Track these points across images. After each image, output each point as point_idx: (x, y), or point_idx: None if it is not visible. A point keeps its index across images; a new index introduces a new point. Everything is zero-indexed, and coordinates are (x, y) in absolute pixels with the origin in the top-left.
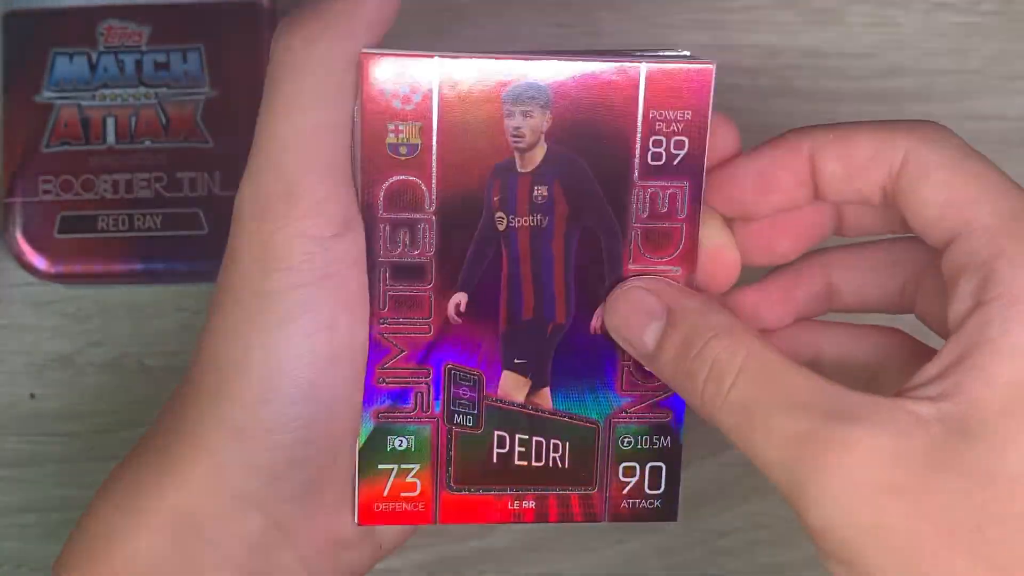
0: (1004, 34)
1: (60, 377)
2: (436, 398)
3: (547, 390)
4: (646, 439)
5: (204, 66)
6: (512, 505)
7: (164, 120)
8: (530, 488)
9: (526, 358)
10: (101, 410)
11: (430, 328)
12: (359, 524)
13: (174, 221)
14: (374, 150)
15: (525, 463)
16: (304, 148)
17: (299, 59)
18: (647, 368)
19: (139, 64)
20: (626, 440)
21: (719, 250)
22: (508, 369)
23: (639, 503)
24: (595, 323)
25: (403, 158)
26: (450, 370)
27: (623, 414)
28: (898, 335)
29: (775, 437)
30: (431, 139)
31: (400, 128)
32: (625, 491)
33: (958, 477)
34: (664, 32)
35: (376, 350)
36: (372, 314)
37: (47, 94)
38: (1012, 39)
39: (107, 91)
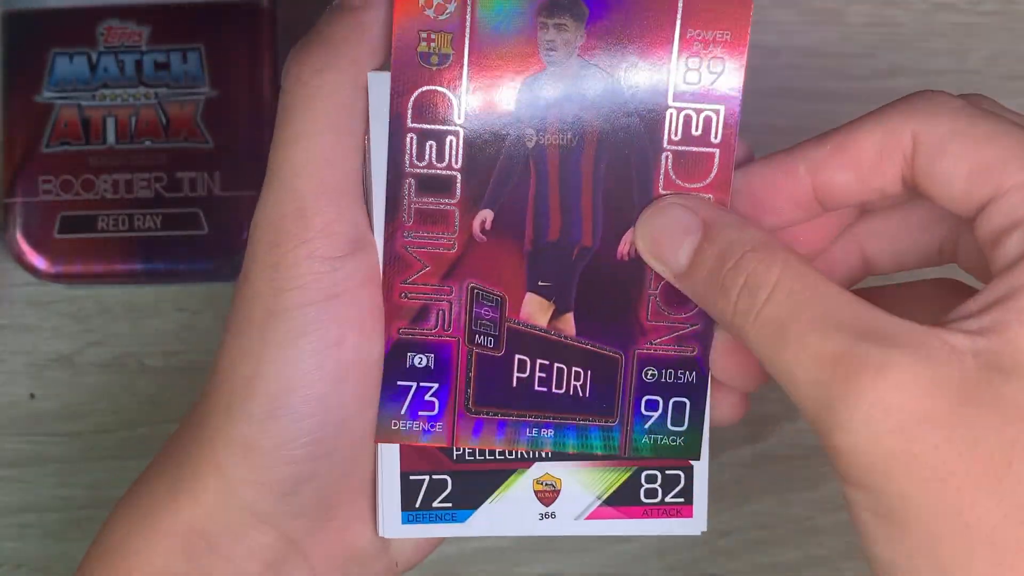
0: (1004, 34)
1: (60, 377)
2: (458, 318)
3: (571, 315)
4: (670, 373)
5: (204, 66)
6: (529, 433)
7: (164, 120)
8: (550, 416)
9: (550, 281)
10: (101, 410)
11: (454, 245)
12: (376, 442)
13: (174, 221)
14: (405, 59)
15: (545, 389)
16: (316, 173)
17: (310, 90)
18: (678, 287)
19: (139, 64)
20: (649, 373)
21: None
22: (532, 291)
23: (661, 439)
24: (623, 249)
25: (433, 68)
26: (473, 289)
27: (648, 345)
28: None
29: (807, 355)
30: (463, 50)
31: (432, 37)
32: (647, 425)
33: (992, 412)
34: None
35: (399, 264)
36: (393, 225)
37: (47, 94)
38: (1012, 40)
39: (107, 91)
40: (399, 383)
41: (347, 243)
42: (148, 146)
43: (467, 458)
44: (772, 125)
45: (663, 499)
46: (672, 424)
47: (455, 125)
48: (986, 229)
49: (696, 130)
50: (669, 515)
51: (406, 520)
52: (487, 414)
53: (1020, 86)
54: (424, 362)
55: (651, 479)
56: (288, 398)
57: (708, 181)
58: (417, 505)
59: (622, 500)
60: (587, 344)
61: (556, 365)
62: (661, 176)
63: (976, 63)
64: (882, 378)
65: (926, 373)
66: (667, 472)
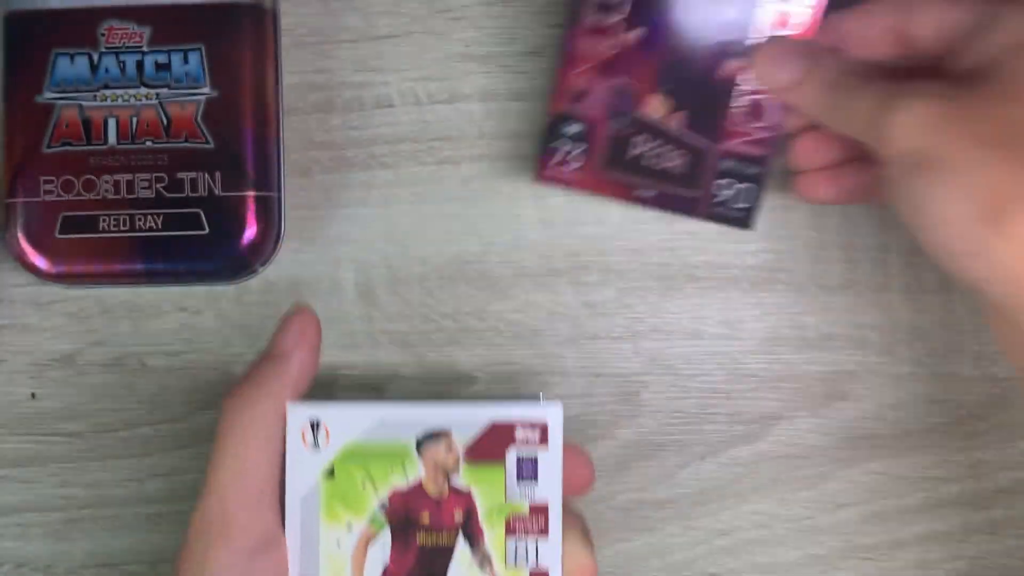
0: None
1: (61, 377)
2: (603, 102)
3: (683, 114)
4: (743, 165)
5: (205, 67)
6: (638, 192)
7: (165, 120)
8: (653, 180)
9: (674, 85)
10: (102, 410)
11: (613, 49)
12: (540, 180)
13: (175, 221)
14: None
15: (654, 163)
16: (241, 487)
17: (243, 419)
18: (786, 99)
19: (140, 65)
20: (727, 163)
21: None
22: (659, 92)
23: (726, 211)
24: (722, 72)
25: None
26: (617, 86)
27: (730, 142)
28: None
29: (869, 100)
30: None
31: None
32: (719, 199)
33: (992, 101)
34: None
35: (571, 60)
36: (571, 35)
37: (48, 95)
38: None
39: (108, 91)
40: (554, 144)
41: (260, 541)
42: (149, 146)
43: None
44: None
45: None
46: (737, 202)
47: None
48: None
49: None
50: None
51: None
52: (613, 173)
53: None
54: (575, 129)
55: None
56: None
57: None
58: None
59: None
60: (687, 135)
61: (665, 147)
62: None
63: None
64: (924, 87)
65: (939, 88)
66: None
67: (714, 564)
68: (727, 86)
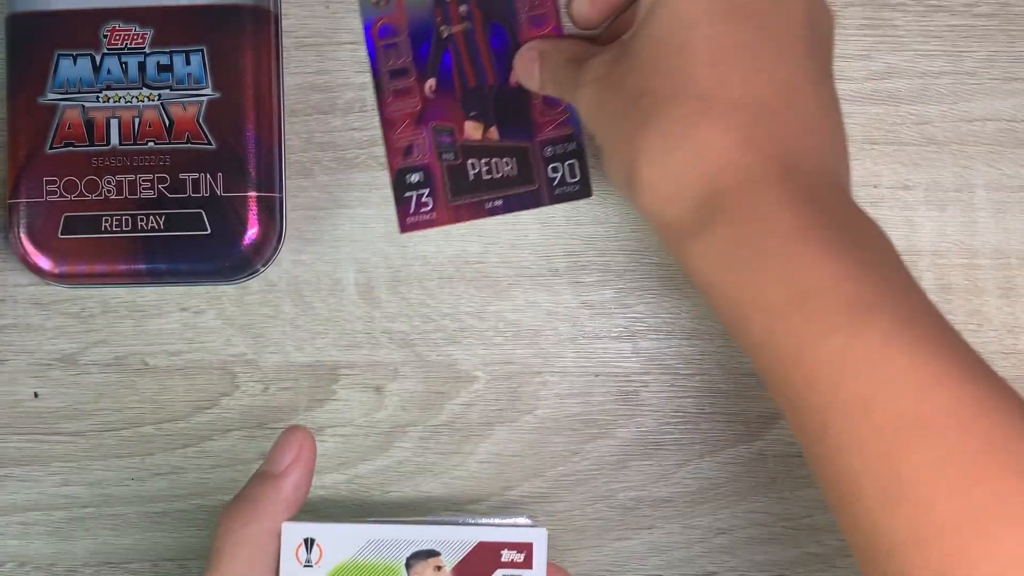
0: (999, 36)
1: (64, 376)
2: (429, 146)
3: (494, 128)
4: (561, 147)
5: (207, 68)
6: (487, 206)
7: (167, 121)
8: (497, 192)
9: (477, 109)
10: (104, 409)
11: (418, 103)
12: (401, 233)
13: (177, 222)
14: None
15: (490, 176)
16: None
17: (238, 538)
18: (543, 92)
19: (142, 66)
20: (548, 150)
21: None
22: (468, 119)
23: (565, 189)
24: (512, 78)
25: (383, 11)
26: (434, 127)
27: (543, 132)
28: None
29: (558, 77)
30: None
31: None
32: (555, 183)
33: (630, 54)
34: None
35: (390, 124)
36: (382, 105)
37: (51, 96)
38: (1007, 41)
39: (111, 92)
40: (405, 195)
41: None
42: (151, 147)
43: None
44: None
45: None
46: (569, 177)
47: (403, 36)
48: None
49: (536, 2)
50: None
51: None
52: (460, 200)
53: (1016, 87)
54: (417, 177)
55: None
56: None
57: (551, 28)
58: None
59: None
60: (508, 143)
61: (493, 160)
62: (524, 31)
63: (971, 65)
64: (590, 61)
65: (608, 52)
66: None
67: (713, 562)
68: (519, 90)
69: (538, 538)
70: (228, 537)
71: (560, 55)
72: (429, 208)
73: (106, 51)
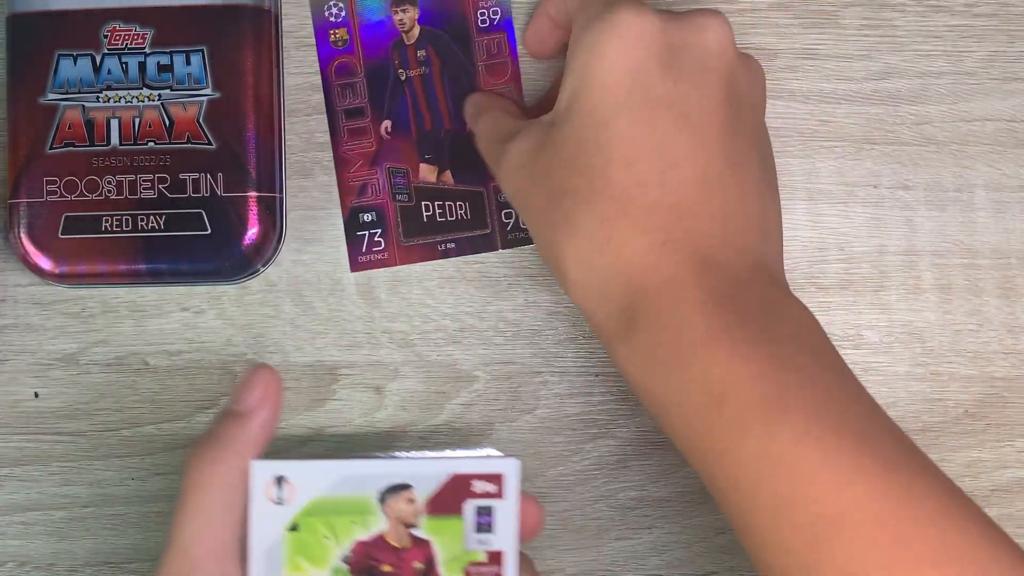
0: (999, 36)
1: (64, 376)
2: (383, 187)
3: (448, 172)
4: None
5: (207, 68)
6: (440, 248)
7: (167, 122)
8: (450, 235)
9: (432, 153)
10: (105, 409)
11: (373, 144)
12: (356, 270)
13: (177, 222)
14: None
15: (444, 219)
16: (205, 541)
17: (205, 476)
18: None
19: (142, 66)
20: (501, 195)
21: None
22: (423, 162)
23: (518, 234)
24: (468, 126)
25: (340, 49)
26: (389, 168)
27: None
28: None
29: (486, 152)
30: (355, 38)
31: (337, 32)
32: (509, 228)
33: (551, 147)
34: None
35: (344, 163)
36: (337, 144)
37: (51, 96)
38: (1007, 41)
39: (111, 93)
40: (357, 233)
41: None
42: (151, 147)
43: None
44: (770, 126)
45: None
46: (522, 223)
47: (360, 77)
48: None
49: (494, 51)
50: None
51: None
52: (413, 241)
53: (1016, 87)
54: (370, 217)
55: None
56: None
57: (507, 77)
58: None
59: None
60: (462, 187)
61: (447, 203)
62: (480, 80)
63: (971, 65)
64: (507, 152)
65: (531, 137)
66: None
67: (713, 562)
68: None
69: (510, 468)
70: (196, 476)
71: (491, 124)
72: (381, 248)
73: (106, 51)
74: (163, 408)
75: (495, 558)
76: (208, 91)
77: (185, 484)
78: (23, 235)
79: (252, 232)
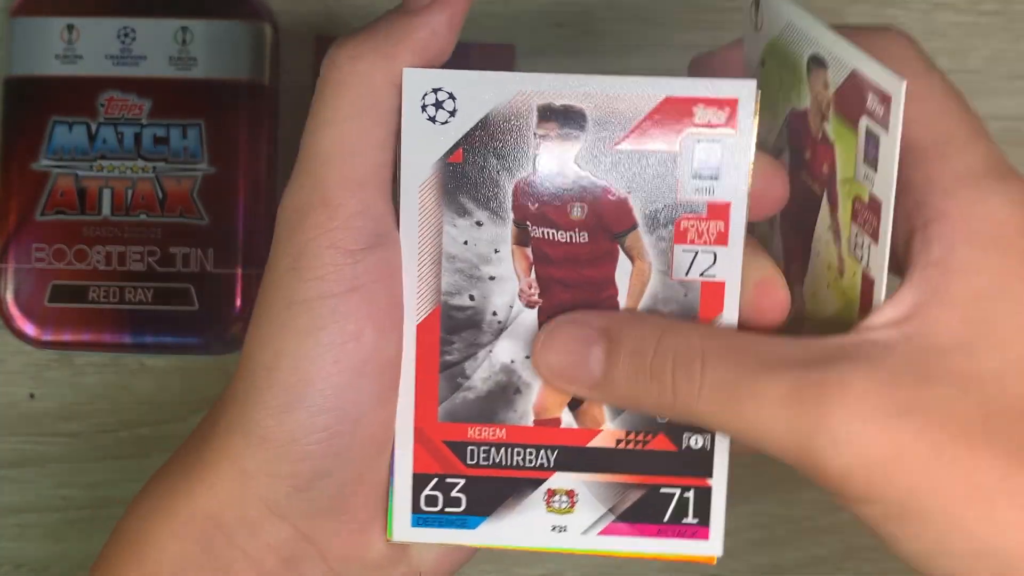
0: (1004, 34)
1: (59, 377)
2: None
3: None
4: None
5: (203, 142)
6: None
7: (160, 194)
8: None
9: None
10: (100, 410)
11: None
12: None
13: (165, 295)
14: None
15: None
16: (341, 163)
17: (343, 75)
18: (598, 399)
19: (138, 137)
20: None
21: (768, 283)
22: None
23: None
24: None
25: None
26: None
27: None
28: None
29: (768, 400)
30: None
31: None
32: None
33: (947, 387)
34: (664, 32)
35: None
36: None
37: (44, 162)
38: (1012, 39)
39: (105, 162)
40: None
41: (369, 236)
42: (143, 219)
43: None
44: None
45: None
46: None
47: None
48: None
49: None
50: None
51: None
52: None
53: (1020, 86)
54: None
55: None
56: (304, 390)
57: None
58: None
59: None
60: None
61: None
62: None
63: (976, 63)
64: (847, 391)
65: (880, 373)
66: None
67: (715, 565)
68: None
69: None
70: (331, 73)
71: (646, 326)
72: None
73: (103, 120)
74: (159, 409)
75: (875, 206)
76: (204, 166)
77: (319, 86)
78: (10, 301)
79: (239, 309)
